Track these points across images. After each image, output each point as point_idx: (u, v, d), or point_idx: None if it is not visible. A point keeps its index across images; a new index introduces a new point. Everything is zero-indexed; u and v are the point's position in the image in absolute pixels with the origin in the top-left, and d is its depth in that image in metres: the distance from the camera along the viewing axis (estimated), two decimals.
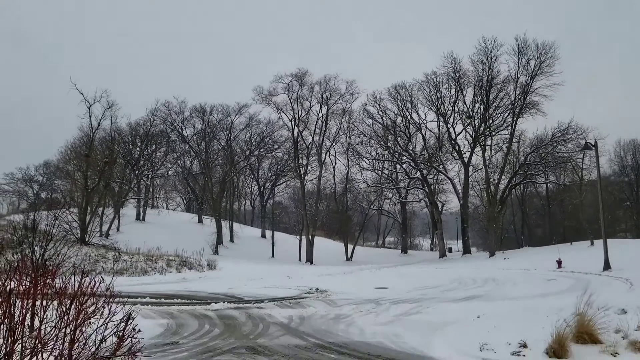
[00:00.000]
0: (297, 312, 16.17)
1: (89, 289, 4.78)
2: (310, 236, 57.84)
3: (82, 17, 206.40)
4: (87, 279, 4.83)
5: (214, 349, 10.71)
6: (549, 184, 66.04)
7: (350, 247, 63.93)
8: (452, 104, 58.51)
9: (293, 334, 12.38)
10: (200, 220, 70.08)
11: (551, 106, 57.24)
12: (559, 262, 31.67)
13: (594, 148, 30.45)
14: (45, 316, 4.61)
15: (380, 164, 69.30)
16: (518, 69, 53.46)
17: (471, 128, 57.59)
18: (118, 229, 54.43)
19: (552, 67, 52.02)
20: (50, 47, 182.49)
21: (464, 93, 57.58)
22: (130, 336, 4.67)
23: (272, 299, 19.66)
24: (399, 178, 69.39)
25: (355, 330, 12.78)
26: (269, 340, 11.66)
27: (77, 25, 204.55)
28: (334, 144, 65.18)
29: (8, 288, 4.63)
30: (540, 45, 52.28)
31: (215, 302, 18.24)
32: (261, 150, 70.85)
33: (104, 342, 4.56)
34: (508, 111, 55.25)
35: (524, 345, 9.79)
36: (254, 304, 18.49)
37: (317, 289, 23.38)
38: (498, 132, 56.51)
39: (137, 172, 66.02)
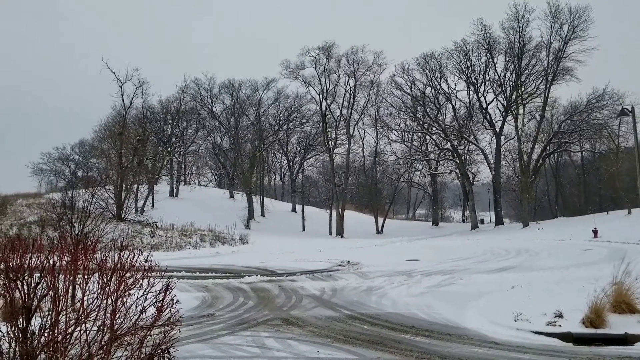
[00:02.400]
0: (329, 284, 16.34)
1: (128, 262, 4.91)
2: (340, 210, 58.00)
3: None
4: (126, 252, 4.96)
5: (249, 320, 10.94)
6: (583, 152, 64.38)
7: (380, 220, 63.90)
8: (482, 73, 57.15)
9: (326, 306, 12.54)
10: (231, 196, 70.93)
11: (585, 72, 55.40)
12: (595, 232, 31.04)
13: (630, 114, 29.57)
14: (87, 288, 4.76)
15: (410, 136, 68.60)
16: (551, 34, 51.76)
17: (502, 96, 56.32)
18: (152, 206, 55.55)
19: (586, 31, 50.20)
20: (82, 26, 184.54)
21: (495, 61, 56.13)
22: (169, 306, 4.80)
23: (304, 272, 19.90)
24: (429, 149, 68.60)
25: (387, 302, 12.85)
26: (302, 312, 11.84)
27: (110, 6, 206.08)
28: (362, 116, 64.77)
29: (52, 261, 4.81)
30: (573, 9, 50.45)
31: (249, 275, 18.58)
32: (290, 125, 70.89)
33: (144, 313, 4.71)
34: (541, 78, 53.73)
35: (560, 315, 9.70)
36: (286, 276, 18.75)
37: (348, 261, 23.54)
38: (530, 100, 55.11)
39: (169, 149, 66.97)
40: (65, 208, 24.02)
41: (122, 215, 42.15)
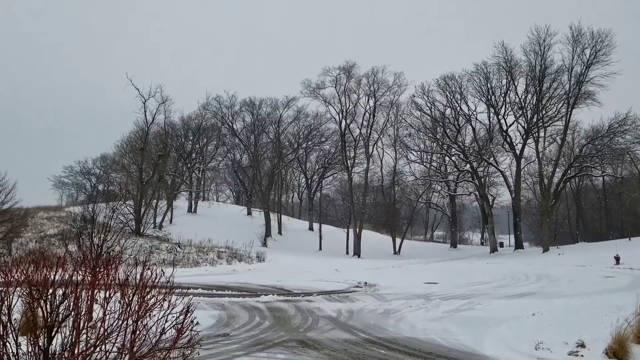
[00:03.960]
0: (346, 306, 16.21)
1: (150, 281, 4.94)
2: (357, 229, 57.78)
3: (135, 13, 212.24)
4: (149, 272, 4.99)
5: (265, 341, 10.88)
6: (605, 177, 63.55)
7: (398, 240, 63.49)
8: (503, 95, 56.95)
9: (342, 328, 12.43)
10: (249, 213, 71.15)
11: (607, 96, 54.84)
12: (617, 258, 30.41)
13: None
14: (108, 307, 4.79)
15: (429, 157, 68.35)
16: (572, 58, 51.49)
17: (523, 119, 55.93)
18: (171, 221, 55.91)
19: (608, 55, 49.86)
20: (110, 42, 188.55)
21: (516, 83, 55.90)
22: (189, 329, 4.80)
23: (320, 292, 19.78)
24: (448, 171, 68.28)
25: (405, 326, 12.70)
26: (318, 333, 11.74)
27: (132, 22, 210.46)
28: (381, 136, 64.87)
29: (74, 279, 4.85)
30: (595, 33, 50.20)
31: (265, 295, 18.52)
32: (309, 143, 71.20)
33: (163, 334, 4.71)
34: (562, 102, 53.33)
35: (582, 345, 9.49)
36: (302, 297, 18.65)
37: (366, 282, 23.36)
38: (552, 123, 54.69)
39: (189, 165, 67.61)
40: (86, 222, 24.35)
41: (141, 231, 42.47)
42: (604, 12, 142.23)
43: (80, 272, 5.19)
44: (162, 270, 5.24)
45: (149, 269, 5.04)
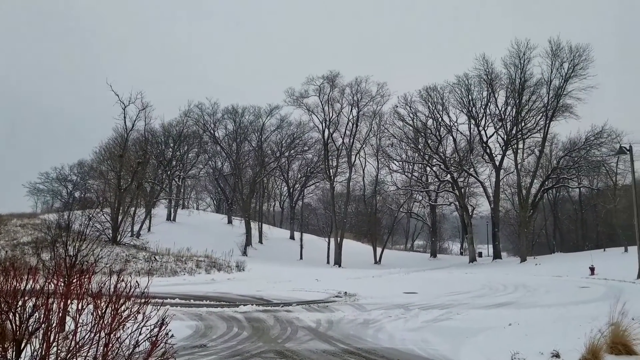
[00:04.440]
0: (326, 316, 16.16)
1: (124, 293, 4.86)
2: (339, 238, 57.78)
3: (117, 18, 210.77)
4: (123, 283, 4.91)
5: (242, 352, 10.79)
6: (581, 189, 64.64)
7: (378, 250, 63.61)
8: (483, 107, 57.75)
9: (321, 339, 12.38)
10: (229, 221, 70.71)
11: (585, 109, 55.93)
12: (592, 269, 30.91)
13: (628, 152, 29.66)
14: (80, 320, 4.70)
15: (410, 167, 68.82)
16: (551, 72, 52.52)
17: (503, 131, 56.75)
18: (149, 229, 55.29)
19: (586, 69, 50.98)
20: (88, 48, 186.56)
21: (496, 96, 56.81)
22: (164, 341, 4.73)
23: (300, 302, 19.70)
24: (429, 181, 68.77)
25: (384, 336, 12.70)
26: (297, 344, 11.68)
27: (114, 27, 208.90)
28: (364, 146, 65.09)
29: (45, 291, 4.75)
30: (574, 47, 51.28)
31: (244, 305, 18.39)
32: (291, 152, 71.11)
33: (137, 347, 4.63)
34: (541, 114, 54.29)
35: (557, 355, 9.59)
36: (282, 307, 18.56)
37: (346, 292, 23.34)
38: (530, 135, 55.62)
39: (169, 172, 67.00)
40: (61, 230, 23.95)
41: (118, 239, 41.91)
42: (579, 29, 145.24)
43: (52, 283, 5.10)
44: (137, 281, 5.16)
45: (122, 280, 4.96)
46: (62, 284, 5.33)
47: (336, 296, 22.26)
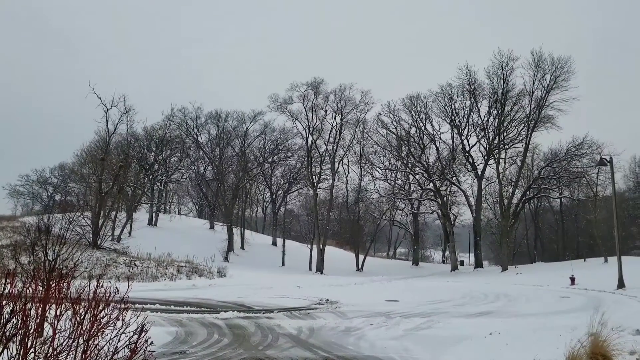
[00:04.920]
0: (307, 323, 16.09)
1: (103, 299, 4.78)
2: (321, 245, 57.70)
3: (100, 21, 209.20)
4: (102, 289, 4.83)
5: (223, 359, 10.69)
6: (562, 199, 65.48)
7: (361, 257, 63.68)
8: (466, 116, 58.30)
9: (302, 346, 12.32)
10: (211, 227, 70.25)
11: (566, 120, 56.75)
12: (572, 279, 31.25)
13: (609, 164, 30.10)
14: (58, 326, 4.61)
15: (393, 174, 69.12)
16: (533, 83, 53.24)
17: (485, 141, 57.34)
18: (130, 234, 54.67)
19: (567, 81, 51.79)
20: (69, 49, 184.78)
21: (479, 105, 57.43)
22: (143, 348, 4.65)
23: (281, 309, 19.60)
24: (412, 189, 69.12)
25: (365, 344, 12.67)
26: (278, 352, 11.61)
27: (97, 31, 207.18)
28: (347, 153, 65.27)
29: (23, 297, 4.65)
30: (556, 59, 52.08)
31: (225, 311, 18.24)
32: (274, 158, 70.95)
33: (116, 354, 4.55)
34: (523, 124, 54.95)
35: None
36: (263, 313, 18.44)
37: (327, 299, 23.28)
38: (512, 145, 56.25)
39: (150, 176, 66.41)
40: (40, 233, 23.55)
41: (99, 243, 41.40)
42: (563, 41, 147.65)
43: (31, 287, 4.99)
44: (116, 287, 5.08)
45: (102, 285, 4.87)
46: (41, 289, 5.24)
47: (318, 303, 22.18)
